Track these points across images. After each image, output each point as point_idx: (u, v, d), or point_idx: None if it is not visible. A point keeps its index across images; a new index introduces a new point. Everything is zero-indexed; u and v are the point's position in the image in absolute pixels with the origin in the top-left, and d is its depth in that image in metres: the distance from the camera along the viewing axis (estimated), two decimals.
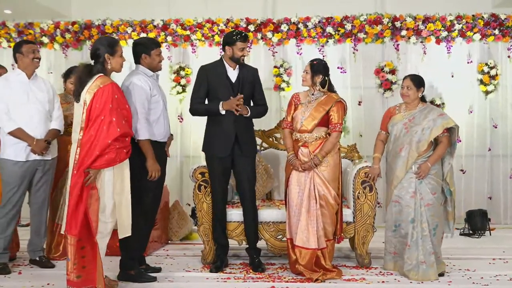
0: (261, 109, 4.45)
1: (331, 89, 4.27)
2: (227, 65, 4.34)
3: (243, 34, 4.31)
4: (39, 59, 4.37)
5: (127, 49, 6.29)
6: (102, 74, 3.65)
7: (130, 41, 6.43)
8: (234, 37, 4.26)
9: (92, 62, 3.73)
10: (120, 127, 3.52)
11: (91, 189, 3.50)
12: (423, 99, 4.27)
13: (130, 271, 4.01)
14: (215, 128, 4.35)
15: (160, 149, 4.10)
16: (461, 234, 5.65)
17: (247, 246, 4.45)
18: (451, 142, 4.13)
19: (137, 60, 4.11)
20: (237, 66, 4.34)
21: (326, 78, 4.22)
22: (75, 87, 3.68)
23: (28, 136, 4.20)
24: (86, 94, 3.57)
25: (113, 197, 3.58)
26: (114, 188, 3.57)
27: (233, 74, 4.34)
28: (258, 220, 4.45)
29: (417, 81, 4.19)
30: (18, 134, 4.18)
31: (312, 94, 4.24)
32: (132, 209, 3.85)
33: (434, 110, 4.19)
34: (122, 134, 3.53)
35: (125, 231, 3.67)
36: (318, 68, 4.19)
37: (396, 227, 4.18)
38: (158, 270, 4.27)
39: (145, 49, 4.06)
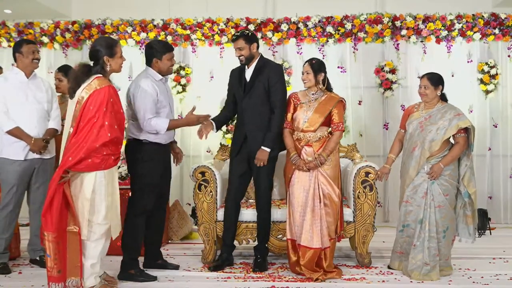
0: (275, 128, 4.21)
1: (328, 87, 4.28)
2: (246, 66, 4.35)
3: (232, 36, 4.32)
4: (39, 60, 4.36)
5: (127, 48, 6.36)
6: (100, 75, 3.62)
7: (130, 41, 6.45)
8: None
9: (91, 62, 3.69)
10: (111, 132, 3.49)
11: (66, 189, 3.49)
12: (444, 98, 4.21)
13: (130, 271, 4.02)
14: (234, 129, 4.44)
15: (164, 151, 4.13)
16: None
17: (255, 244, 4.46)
18: (468, 143, 4.07)
19: (148, 63, 4.09)
20: (254, 64, 4.29)
21: (326, 75, 4.23)
22: (71, 85, 3.64)
23: (26, 135, 4.20)
24: (83, 92, 3.54)
25: (106, 199, 3.57)
26: (106, 189, 3.56)
27: (248, 72, 4.32)
28: (270, 223, 4.43)
29: (434, 80, 4.14)
30: (16, 133, 4.18)
31: (312, 94, 4.24)
32: (131, 209, 3.87)
33: (451, 110, 4.10)
34: (112, 139, 3.51)
35: (115, 232, 3.66)
36: (319, 66, 4.20)
37: (404, 227, 4.17)
38: (177, 267, 4.31)
39: (157, 54, 4.03)
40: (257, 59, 4.31)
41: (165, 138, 4.10)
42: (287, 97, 4.35)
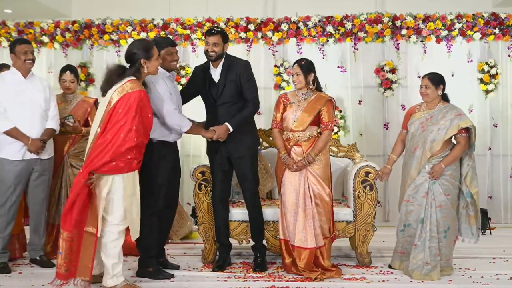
0: (246, 113, 4.24)
1: (318, 86, 4.28)
2: (211, 65, 4.29)
3: (209, 28, 4.24)
4: (32, 60, 4.32)
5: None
6: (134, 78, 3.62)
7: (131, 40, 6.44)
8: (205, 32, 4.24)
9: (127, 65, 3.70)
10: (137, 136, 3.50)
11: (92, 191, 3.52)
12: (445, 98, 4.22)
13: (148, 269, 4.07)
14: (206, 127, 4.38)
15: (172, 150, 4.14)
16: None
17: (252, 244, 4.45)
18: (470, 143, 4.07)
19: None
20: (221, 63, 4.24)
21: (315, 75, 4.23)
22: (103, 84, 3.67)
23: (23, 135, 4.20)
24: (114, 94, 3.55)
25: (124, 200, 3.57)
26: (125, 191, 3.56)
27: (215, 73, 4.26)
28: (263, 219, 4.42)
29: (436, 80, 4.14)
30: (13, 133, 4.19)
31: (302, 94, 4.23)
32: (145, 209, 3.91)
33: (453, 110, 4.10)
34: (137, 144, 3.51)
35: (135, 233, 3.67)
36: (309, 67, 4.19)
37: (405, 227, 4.17)
38: (177, 267, 4.32)
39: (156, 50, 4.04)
40: (223, 58, 4.27)
41: (173, 136, 4.11)
42: (278, 97, 4.37)
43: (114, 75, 3.61)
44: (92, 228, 3.53)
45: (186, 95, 4.42)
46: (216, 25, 4.59)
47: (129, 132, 3.46)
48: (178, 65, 4.21)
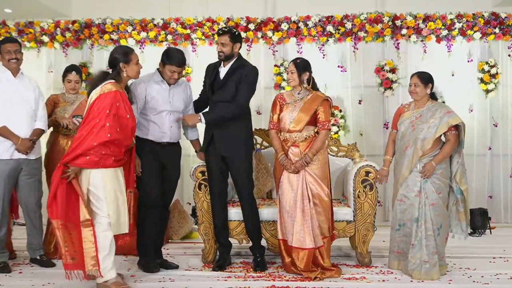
0: (224, 112, 4.19)
1: (314, 86, 4.27)
2: (221, 63, 4.33)
3: (218, 29, 4.30)
4: (16, 59, 4.29)
5: None
6: (113, 80, 3.74)
7: (131, 40, 6.46)
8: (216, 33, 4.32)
9: (110, 70, 3.84)
10: (112, 133, 3.58)
11: (74, 183, 3.60)
12: (433, 97, 4.24)
13: (141, 260, 4.26)
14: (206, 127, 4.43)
15: (159, 150, 4.16)
16: None
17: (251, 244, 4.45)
18: (459, 140, 4.10)
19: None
20: (230, 63, 4.26)
21: (311, 75, 4.23)
22: (89, 89, 3.82)
23: (13, 134, 4.19)
24: (93, 94, 3.69)
25: (105, 194, 3.63)
26: (105, 186, 3.62)
27: (222, 70, 4.31)
28: (260, 219, 4.42)
29: (425, 78, 4.16)
30: (3, 132, 4.18)
31: (298, 94, 4.24)
32: (139, 205, 4.04)
33: (442, 108, 4.13)
34: (112, 141, 3.58)
35: (122, 228, 3.72)
36: (304, 66, 4.19)
37: (400, 226, 4.17)
38: (176, 267, 4.35)
39: (162, 59, 4.16)
40: (235, 59, 4.27)
41: (156, 136, 4.15)
42: (274, 98, 4.38)
43: (98, 80, 3.77)
44: (86, 218, 3.60)
45: (204, 92, 4.49)
46: (227, 26, 4.57)
47: (102, 127, 3.57)
48: (175, 82, 4.21)
